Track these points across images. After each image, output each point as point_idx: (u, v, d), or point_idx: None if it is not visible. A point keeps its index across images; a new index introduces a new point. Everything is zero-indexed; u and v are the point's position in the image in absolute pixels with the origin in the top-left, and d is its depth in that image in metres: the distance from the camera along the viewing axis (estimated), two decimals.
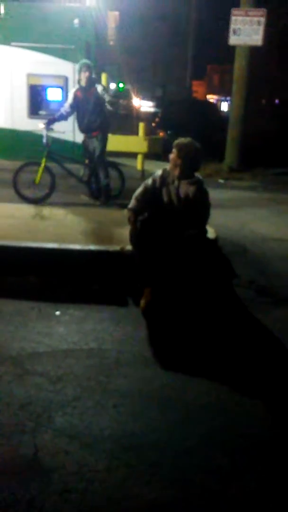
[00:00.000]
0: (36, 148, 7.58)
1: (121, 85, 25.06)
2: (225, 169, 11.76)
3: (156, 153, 10.73)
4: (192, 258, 4.03)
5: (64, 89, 10.75)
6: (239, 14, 11.40)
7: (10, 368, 3.16)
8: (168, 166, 4.18)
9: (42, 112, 10.83)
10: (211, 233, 4.92)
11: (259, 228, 6.82)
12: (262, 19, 11.28)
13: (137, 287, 4.11)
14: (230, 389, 3.10)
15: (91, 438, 2.56)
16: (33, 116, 10.89)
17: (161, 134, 14.09)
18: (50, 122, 6.95)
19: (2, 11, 10.79)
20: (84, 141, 7.18)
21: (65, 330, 3.71)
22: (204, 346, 3.60)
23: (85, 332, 3.69)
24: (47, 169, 6.90)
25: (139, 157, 10.35)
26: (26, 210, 6.39)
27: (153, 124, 15.54)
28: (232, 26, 11.40)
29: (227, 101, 32.08)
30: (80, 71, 6.85)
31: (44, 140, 6.91)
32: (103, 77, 10.21)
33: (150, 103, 27.99)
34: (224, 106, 34.18)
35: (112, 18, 15.02)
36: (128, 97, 23.37)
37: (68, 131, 9.07)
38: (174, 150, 4.10)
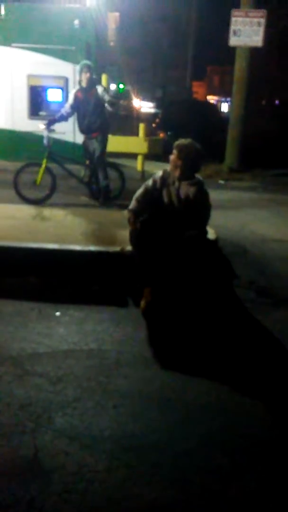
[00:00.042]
0: (36, 149, 7.61)
1: (121, 86, 25.07)
2: (225, 169, 11.77)
3: (156, 154, 10.74)
4: (192, 259, 4.03)
5: (65, 90, 10.77)
6: (239, 15, 11.40)
7: (10, 369, 3.16)
8: (168, 167, 4.19)
9: (42, 113, 10.85)
10: (211, 234, 4.92)
11: (259, 229, 6.82)
12: (262, 20, 11.28)
13: (137, 288, 4.11)
14: (230, 389, 3.10)
15: (91, 438, 2.56)
16: (33, 117, 10.91)
17: (161, 135, 14.09)
18: (50, 123, 6.96)
19: (3, 12, 10.82)
20: (84, 142, 7.19)
21: (65, 331, 3.71)
22: (204, 347, 3.60)
23: (85, 333, 3.69)
24: (48, 170, 6.91)
25: (139, 158, 10.35)
26: (26, 210, 6.39)
27: (153, 125, 15.55)
28: (232, 27, 11.41)
29: (227, 102, 32.12)
30: (81, 72, 6.86)
31: (45, 141, 6.92)
32: (104, 78, 10.22)
33: (150, 104, 28.02)
34: (224, 107, 34.24)
35: (112, 19, 15.06)
36: (128, 98, 23.39)
37: (69, 131, 9.10)
38: (174, 151, 4.11)
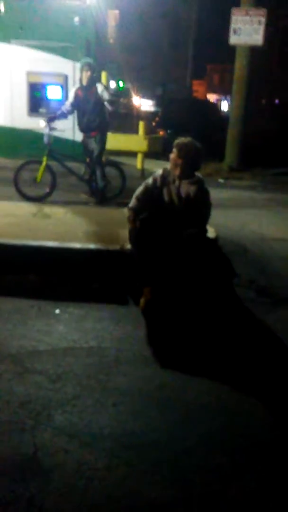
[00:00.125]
0: (36, 146, 7.59)
1: (121, 83, 25.05)
2: (225, 168, 11.77)
3: (156, 152, 10.74)
4: (192, 257, 4.02)
5: (64, 87, 10.75)
6: (240, 13, 11.38)
7: (9, 366, 3.15)
8: (168, 165, 4.18)
9: (42, 110, 10.83)
10: (211, 232, 4.91)
11: (259, 228, 6.82)
12: (263, 19, 11.27)
13: (136, 286, 4.11)
14: (230, 389, 3.10)
15: (90, 436, 2.56)
16: (33, 114, 10.89)
17: (161, 133, 14.08)
18: (50, 120, 6.94)
19: (2, 9, 10.78)
20: (83, 140, 7.18)
21: (65, 329, 3.70)
22: (204, 346, 3.59)
23: (85, 331, 3.69)
24: (48, 167, 6.89)
25: (139, 156, 10.34)
26: (26, 208, 6.38)
27: (153, 123, 15.53)
28: (233, 26, 11.39)
29: (227, 100, 32.12)
30: (82, 70, 6.84)
31: (46, 139, 6.90)
32: (103, 75, 10.20)
33: (150, 102, 28.02)
34: (224, 106, 34.24)
35: (112, 16, 15.05)
36: (128, 96, 23.38)
37: (68, 129, 9.07)
38: (174, 150, 4.10)
